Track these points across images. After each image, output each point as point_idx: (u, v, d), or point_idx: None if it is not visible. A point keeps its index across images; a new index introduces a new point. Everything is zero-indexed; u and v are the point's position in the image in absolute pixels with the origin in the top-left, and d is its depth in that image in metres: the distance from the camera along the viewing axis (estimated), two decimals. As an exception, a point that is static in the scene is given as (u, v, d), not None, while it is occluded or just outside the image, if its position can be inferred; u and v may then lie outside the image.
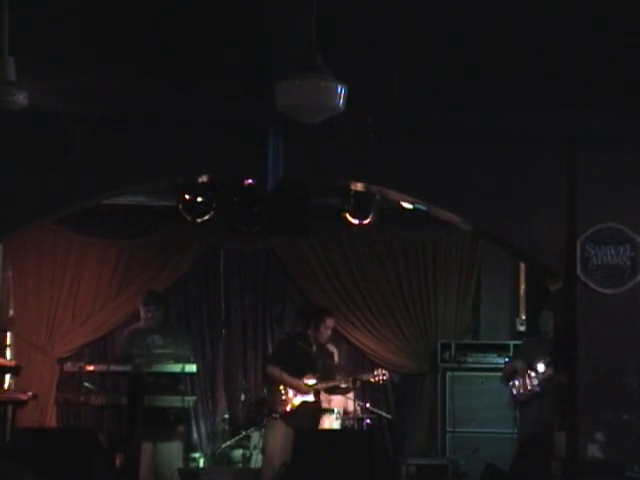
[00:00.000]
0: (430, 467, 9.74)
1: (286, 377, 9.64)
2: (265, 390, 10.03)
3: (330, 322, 9.92)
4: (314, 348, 9.80)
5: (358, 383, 10.03)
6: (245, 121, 7.58)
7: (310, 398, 9.68)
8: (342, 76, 5.13)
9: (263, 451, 9.83)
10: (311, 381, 9.66)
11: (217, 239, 11.08)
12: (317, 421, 9.81)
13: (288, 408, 9.58)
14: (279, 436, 9.54)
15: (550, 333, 9.16)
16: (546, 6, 5.41)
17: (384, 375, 10.23)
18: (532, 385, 9.30)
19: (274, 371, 9.74)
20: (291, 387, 9.61)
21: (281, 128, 7.58)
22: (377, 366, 11.36)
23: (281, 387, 9.64)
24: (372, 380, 10.20)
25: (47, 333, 10.90)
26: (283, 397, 9.61)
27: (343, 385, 9.82)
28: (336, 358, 10.56)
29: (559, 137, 7.71)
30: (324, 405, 10.21)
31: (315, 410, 9.77)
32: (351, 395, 10.25)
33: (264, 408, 9.97)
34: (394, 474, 9.82)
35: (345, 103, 5.17)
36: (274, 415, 9.63)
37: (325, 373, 9.79)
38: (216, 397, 11.30)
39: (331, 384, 9.79)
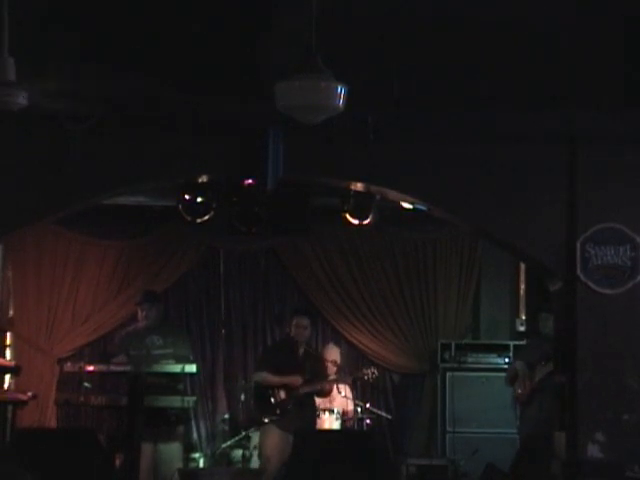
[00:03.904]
0: (430, 467, 9.73)
1: (274, 378, 9.59)
2: (254, 398, 10.02)
3: (300, 321, 9.74)
4: (301, 351, 9.75)
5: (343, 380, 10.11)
6: (245, 121, 7.58)
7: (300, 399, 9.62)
8: (342, 76, 5.13)
9: (260, 457, 9.80)
10: (299, 379, 9.60)
11: (217, 239, 11.07)
12: (312, 422, 9.72)
13: (279, 411, 9.56)
14: (274, 441, 9.52)
15: (550, 335, 9.17)
16: (546, 6, 5.41)
17: (373, 374, 10.25)
18: (531, 386, 9.29)
19: (262, 376, 9.72)
20: (282, 384, 9.55)
21: (281, 128, 7.58)
22: (377, 366, 11.41)
23: (269, 392, 9.62)
24: (361, 377, 10.22)
25: (47, 333, 10.90)
26: (273, 401, 9.59)
27: (328, 388, 9.76)
28: (338, 358, 10.57)
29: (559, 137, 7.71)
30: (325, 405, 10.21)
31: (308, 410, 9.67)
32: (350, 395, 10.26)
33: (255, 415, 9.98)
34: (394, 474, 9.81)
35: (345, 103, 5.17)
36: (266, 420, 9.63)
37: (313, 376, 9.69)
38: (216, 397, 11.30)
39: (317, 387, 9.67)
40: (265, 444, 9.63)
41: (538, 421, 9.09)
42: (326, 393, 9.88)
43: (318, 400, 10.23)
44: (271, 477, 9.39)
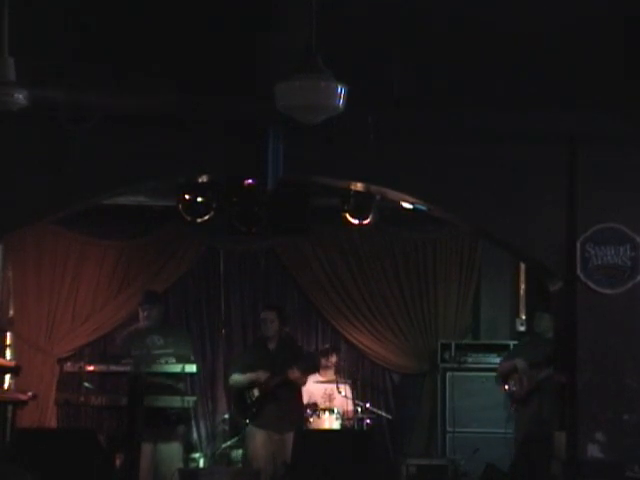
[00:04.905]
0: (430, 467, 9.72)
1: (244, 377, 9.60)
2: (233, 402, 9.99)
3: (265, 315, 9.77)
4: (271, 347, 9.70)
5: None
6: (245, 121, 7.58)
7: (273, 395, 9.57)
8: (342, 76, 5.13)
9: (246, 461, 9.80)
10: (264, 374, 9.57)
11: (217, 239, 11.07)
12: (293, 416, 9.62)
13: (254, 410, 9.55)
14: (256, 442, 9.51)
15: (545, 334, 9.18)
16: (546, 6, 5.41)
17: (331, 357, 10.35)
18: (530, 385, 9.29)
19: (232, 378, 9.75)
20: (250, 381, 9.54)
21: (281, 128, 7.58)
22: (377, 366, 11.42)
23: (245, 393, 9.61)
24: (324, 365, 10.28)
25: (47, 333, 10.89)
26: (248, 402, 9.58)
27: (291, 377, 9.56)
28: (334, 358, 10.58)
29: (559, 137, 7.70)
30: (325, 405, 10.20)
31: (285, 405, 9.59)
32: (350, 395, 10.25)
33: (236, 418, 9.98)
34: (394, 474, 9.81)
35: (345, 103, 5.17)
36: (245, 422, 9.63)
37: (289, 368, 9.60)
38: (216, 397, 11.29)
39: (283, 377, 9.54)
40: (248, 447, 9.66)
41: (537, 421, 9.08)
42: (299, 381, 9.71)
43: (317, 399, 10.24)
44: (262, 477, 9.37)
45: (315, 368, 10.11)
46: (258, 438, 9.54)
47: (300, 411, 9.82)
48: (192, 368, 9.47)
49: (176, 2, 5.54)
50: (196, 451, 10.82)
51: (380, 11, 5.46)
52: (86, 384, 9.30)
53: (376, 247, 11.32)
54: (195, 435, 11.11)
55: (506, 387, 9.52)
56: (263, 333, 9.83)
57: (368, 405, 10.51)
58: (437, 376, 10.93)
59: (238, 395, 9.74)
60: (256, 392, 9.58)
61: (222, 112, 7.40)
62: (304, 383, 9.86)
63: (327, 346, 10.91)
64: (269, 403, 9.53)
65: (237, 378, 9.71)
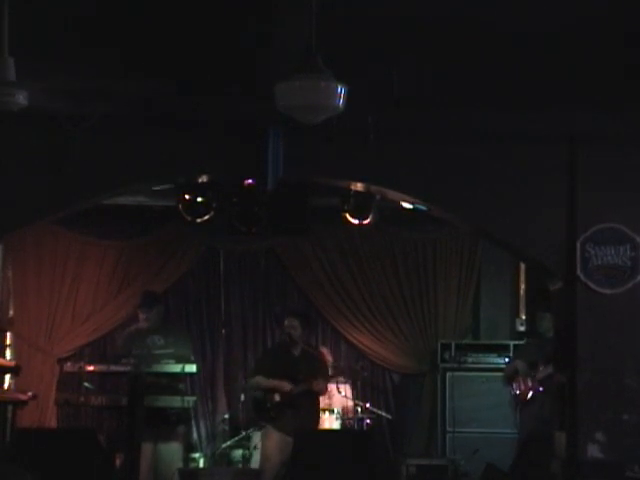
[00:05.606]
0: (430, 467, 9.73)
1: (267, 382, 9.46)
2: (251, 402, 9.96)
3: (288, 322, 9.61)
4: (296, 352, 9.61)
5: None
6: (245, 121, 7.58)
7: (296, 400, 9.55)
8: (342, 76, 5.13)
9: (260, 457, 9.77)
10: (288, 386, 9.49)
11: (217, 239, 11.07)
12: (312, 422, 9.55)
13: (273, 414, 9.50)
14: (273, 442, 9.47)
15: (547, 334, 9.19)
16: (546, 6, 5.41)
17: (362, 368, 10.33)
18: (533, 385, 9.29)
19: (255, 380, 9.64)
20: (272, 388, 9.49)
21: (281, 128, 7.58)
22: (377, 366, 11.42)
23: (265, 396, 9.56)
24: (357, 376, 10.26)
25: (47, 333, 10.90)
26: (269, 405, 9.54)
27: (315, 388, 9.47)
28: (329, 358, 10.56)
29: (559, 137, 7.70)
30: (325, 405, 10.18)
31: (305, 411, 9.48)
32: (350, 395, 10.25)
33: (253, 419, 9.95)
34: (394, 474, 9.81)
35: (345, 103, 5.17)
36: (262, 423, 9.61)
37: (310, 375, 9.47)
38: (216, 397, 11.30)
39: (304, 387, 9.40)
40: (264, 445, 9.62)
41: (538, 420, 9.09)
42: (321, 392, 9.73)
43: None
44: (270, 477, 9.38)
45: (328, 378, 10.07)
46: (273, 438, 9.48)
47: (316, 418, 9.75)
48: (192, 368, 9.47)
49: (176, 2, 5.54)
50: (196, 451, 10.82)
51: (380, 11, 5.46)
52: (86, 384, 9.31)
53: (376, 247, 11.33)
54: (195, 435, 11.12)
55: (513, 387, 9.53)
56: (286, 339, 9.73)
57: (368, 405, 10.51)
58: (437, 376, 10.93)
59: (258, 397, 9.65)
60: (277, 397, 9.48)
61: (222, 112, 7.40)
62: (324, 393, 9.83)
63: (361, 364, 10.83)
64: (289, 409, 9.44)
65: (261, 381, 9.58)
